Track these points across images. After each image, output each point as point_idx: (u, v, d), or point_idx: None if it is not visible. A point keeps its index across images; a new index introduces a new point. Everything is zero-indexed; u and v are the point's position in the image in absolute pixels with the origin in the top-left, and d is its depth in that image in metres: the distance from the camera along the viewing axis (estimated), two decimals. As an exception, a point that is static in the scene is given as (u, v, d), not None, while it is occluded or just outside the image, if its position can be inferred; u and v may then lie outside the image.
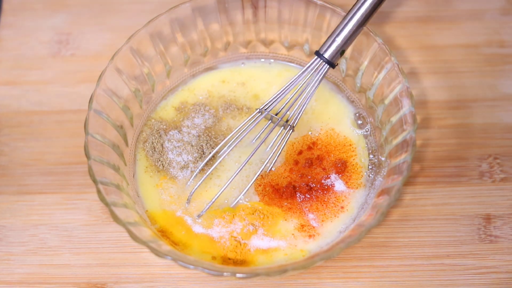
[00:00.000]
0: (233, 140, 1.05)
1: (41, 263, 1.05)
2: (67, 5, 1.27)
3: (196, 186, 1.04)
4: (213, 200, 1.02)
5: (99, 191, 0.93)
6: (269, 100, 1.03)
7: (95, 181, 0.94)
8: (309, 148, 1.08)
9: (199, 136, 1.08)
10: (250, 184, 1.03)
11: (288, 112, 1.04)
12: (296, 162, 1.07)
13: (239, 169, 1.02)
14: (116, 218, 0.92)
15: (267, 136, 1.05)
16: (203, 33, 1.12)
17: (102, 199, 0.93)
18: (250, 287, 1.03)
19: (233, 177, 1.02)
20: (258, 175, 1.03)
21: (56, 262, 1.05)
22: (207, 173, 1.04)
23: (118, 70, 1.05)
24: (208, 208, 1.03)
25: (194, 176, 1.05)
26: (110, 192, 0.96)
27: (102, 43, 1.23)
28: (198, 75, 1.16)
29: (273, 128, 1.03)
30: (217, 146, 1.06)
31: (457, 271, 1.03)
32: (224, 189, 1.02)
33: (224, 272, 0.90)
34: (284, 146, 1.03)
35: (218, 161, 1.03)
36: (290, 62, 1.16)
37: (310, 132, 1.09)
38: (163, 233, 1.02)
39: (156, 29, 1.07)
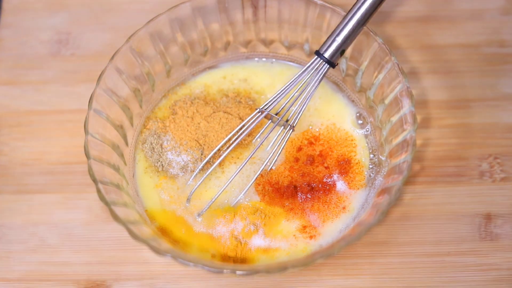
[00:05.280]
0: (233, 139, 1.05)
1: (40, 260, 1.05)
2: (67, 5, 1.27)
3: (197, 186, 1.03)
4: (213, 199, 1.02)
5: (99, 191, 0.94)
6: (269, 100, 1.03)
7: (95, 181, 0.94)
8: (310, 143, 1.08)
9: (198, 136, 1.08)
10: (250, 184, 1.03)
11: (288, 112, 1.04)
12: (297, 159, 1.07)
13: (239, 169, 1.02)
14: (116, 217, 0.92)
15: (267, 135, 1.05)
16: (203, 33, 1.12)
17: (102, 198, 0.93)
18: (251, 285, 1.03)
19: (233, 177, 1.02)
20: (258, 175, 1.03)
21: (55, 260, 1.05)
22: (207, 173, 1.04)
23: (118, 70, 1.05)
24: (208, 207, 1.02)
25: (194, 176, 1.05)
26: (110, 192, 0.96)
27: (102, 43, 1.23)
28: (198, 75, 1.16)
29: (273, 128, 1.03)
30: (217, 146, 1.06)
31: (458, 268, 1.03)
32: (224, 188, 1.01)
33: (224, 270, 0.90)
34: (284, 145, 1.03)
35: (218, 161, 1.03)
36: (290, 61, 1.16)
37: (310, 127, 1.10)
38: (163, 232, 1.02)
39: (156, 28, 1.07)
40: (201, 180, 1.04)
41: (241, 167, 1.02)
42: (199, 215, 1.03)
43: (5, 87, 1.19)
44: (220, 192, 1.01)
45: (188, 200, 1.04)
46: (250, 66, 1.16)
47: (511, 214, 1.07)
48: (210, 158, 1.06)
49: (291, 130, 1.03)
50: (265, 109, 1.03)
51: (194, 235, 1.02)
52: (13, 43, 1.24)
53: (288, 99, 1.04)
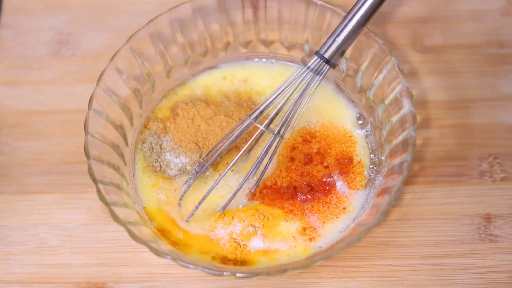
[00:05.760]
0: (228, 142, 1.05)
1: (41, 262, 1.05)
2: (67, 5, 1.27)
3: (185, 191, 1.04)
4: (198, 205, 1.01)
5: (99, 191, 0.94)
6: (269, 100, 1.03)
7: (95, 181, 0.94)
8: (307, 141, 1.08)
9: (198, 138, 1.08)
10: (239, 188, 1.02)
11: (288, 113, 1.04)
12: (292, 159, 1.06)
13: (225, 172, 1.01)
14: (116, 218, 0.92)
15: (266, 136, 1.05)
16: (203, 33, 1.12)
17: (102, 198, 0.93)
18: (250, 287, 1.03)
19: (218, 180, 1.00)
20: (246, 180, 1.02)
21: (56, 262, 1.05)
22: (196, 177, 1.04)
23: (118, 70, 1.05)
24: (194, 212, 1.02)
25: (190, 179, 1.05)
26: (110, 192, 0.96)
27: (102, 43, 1.23)
28: (198, 75, 1.16)
29: (272, 129, 1.03)
30: (215, 148, 1.06)
31: (457, 270, 1.03)
32: (209, 193, 1.01)
33: (224, 272, 0.90)
34: (278, 148, 1.03)
35: (207, 164, 1.02)
36: (291, 62, 1.16)
37: (306, 123, 1.09)
38: (163, 233, 1.02)
39: (156, 29, 1.07)
40: (190, 185, 1.03)
41: (226, 170, 1.01)
42: (186, 220, 1.03)
43: (5, 87, 1.19)
44: (204, 197, 1.01)
45: (179, 204, 1.04)
46: (250, 67, 1.16)
47: (511, 215, 1.07)
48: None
49: (290, 131, 1.03)
50: (264, 110, 1.03)
51: (192, 237, 1.02)
52: (13, 43, 1.24)
53: (288, 100, 1.03)
